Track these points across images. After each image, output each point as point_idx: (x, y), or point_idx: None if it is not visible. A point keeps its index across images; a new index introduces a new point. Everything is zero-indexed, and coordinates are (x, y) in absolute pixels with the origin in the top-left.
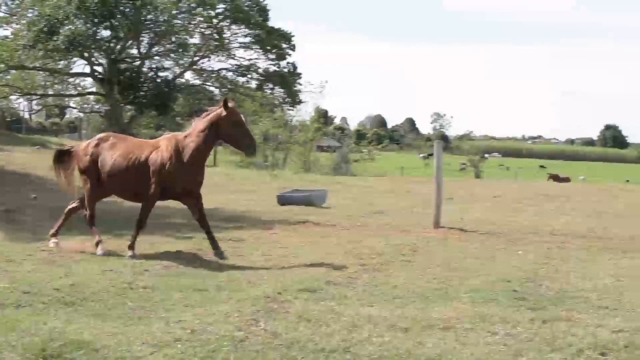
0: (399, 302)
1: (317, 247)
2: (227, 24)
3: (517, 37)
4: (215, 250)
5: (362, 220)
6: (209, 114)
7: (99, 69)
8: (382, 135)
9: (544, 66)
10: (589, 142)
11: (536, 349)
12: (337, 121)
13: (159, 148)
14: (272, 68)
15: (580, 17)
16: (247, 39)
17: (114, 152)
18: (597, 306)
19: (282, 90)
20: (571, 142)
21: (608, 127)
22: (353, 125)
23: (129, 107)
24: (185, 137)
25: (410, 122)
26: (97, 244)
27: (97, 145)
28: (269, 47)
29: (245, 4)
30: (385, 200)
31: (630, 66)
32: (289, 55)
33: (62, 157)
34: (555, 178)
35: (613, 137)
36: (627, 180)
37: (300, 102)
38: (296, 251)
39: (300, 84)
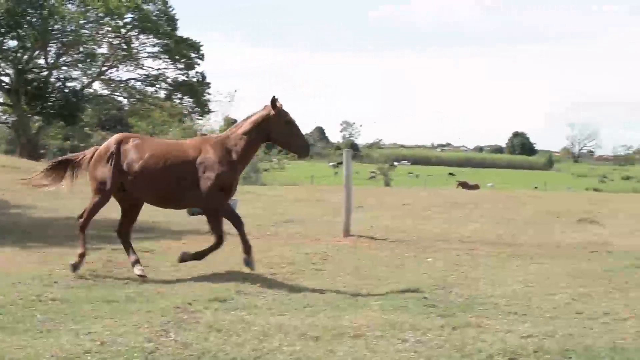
0: (309, 310)
1: (227, 256)
2: (135, 33)
3: (426, 45)
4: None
5: (272, 229)
6: (252, 116)
7: (6, 79)
8: None
9: (454, 74)
10: (498, 150)
11: (446, 356)
12: None
13: (203, 150)
14: (181, 78)
15: (487, 23)
16: (156, 49)
17: (143, 152)
18: (507, 312)
19: (191, 99)
20: (480, 149)
21: (516, 135)
22: None
23: (36, 117)
24: (225, 139)
25: (320, 131)
26: (81, 256)
27: (117, 147)
28: (177, 57)
29: (154, 14)
30: (296, 209)
31: (534, 74)
32: (198, 64)
33: (65, 165)
34: (464, 185)
35: (521, 144)
36: (536, 187)
37: (209, 111)
38: (206, 261)
39: (209, 94)
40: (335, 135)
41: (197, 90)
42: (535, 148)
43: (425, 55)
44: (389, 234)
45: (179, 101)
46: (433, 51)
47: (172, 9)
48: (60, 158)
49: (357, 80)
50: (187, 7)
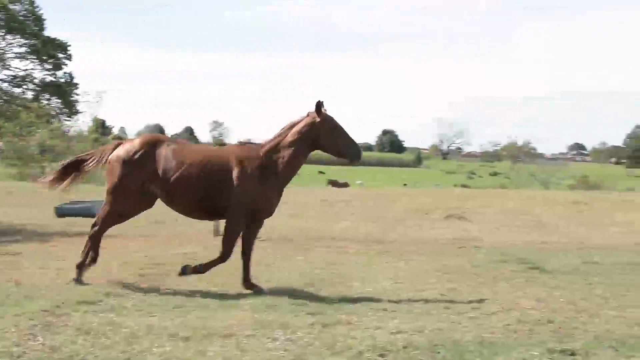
0: (179, 311)
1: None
2: (2, 33)
3: (296, 45)
4: (244, 282)
5: (143, 230)
6: (295, 124)
7: None
8: None
9: (324, 72)
10: (367, 148)
11: (316, 353)
12: (115, 131)
13: (243, 163)
14: (49, 78)
15: (357, 22)
16: (23, 49)
17: (183, 160)
18: (376, 309)
19: (58, 100)
20: None
21: (385, 132)
22: (131, 134)
23: None
24: (268, 151)
25: (189, 131)
26: (80, 266)
27: (147, 150)
28: (45, 57)
29: (20, 13)
30: (167, 210)
31: (403, 72)
32: (66, 65)
33: (79, 166)
34: (334, 184)
35: (390, 141)
36: (405, 184)
37: (77, 112)
38: (75, 263)
39: (77, 94)
40: (205, 135)
41: (65, 90)
42: (405, 145)
43: (294, 55)
44: (261, 233)
45: (46, 102)
46: (302, 50)
47: (40, 9)
48: (72, 159)
49: (225, 79)
50: (56, 7)
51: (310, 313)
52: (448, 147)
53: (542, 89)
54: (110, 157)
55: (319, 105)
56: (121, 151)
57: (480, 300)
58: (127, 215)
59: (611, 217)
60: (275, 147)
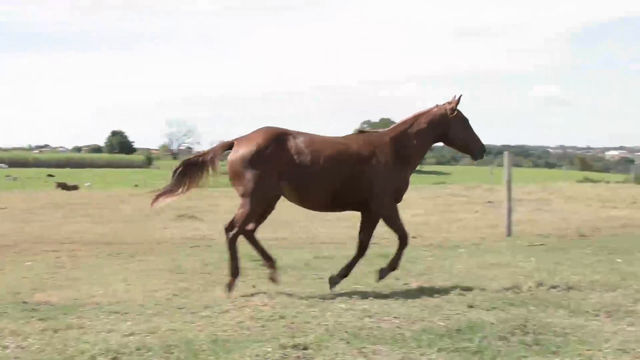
0: None
1: None
2: None
3: (37, 45)
4: (340, 275)
5: None
6: (422, 114)
7: None
8: None
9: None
10: (96, 149)
11: (48, 359)
12: None
13: (376, 150)
14: None
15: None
16: None
17: (319, 153)
18: (108, 312)
19: None
20: (78, 149)
21: (114, 133)
22: None
23: None
24: (394, 138)
25: None
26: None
27: (275, 146)
28: None
29: None
30: None
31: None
32: None
33: (192, 168)
34: (63, 186)
35: (120, 143)
36: (136, 185)
37: None
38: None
39: None
40: None
41: None
42: (135, 146)
43: (19, 56)
44: None
45: None
46: (32, 51)
47: None
48: (183, 162)
49: None
50: None
51: (41, 319)
52: (178, 146)
53: (275, 85)
54: (231, 158)
55: (459, 100)
56: (245, 150)
57: (213, 299)
58: (261, 216)
59: (341, 213)
60: (400, 135)
